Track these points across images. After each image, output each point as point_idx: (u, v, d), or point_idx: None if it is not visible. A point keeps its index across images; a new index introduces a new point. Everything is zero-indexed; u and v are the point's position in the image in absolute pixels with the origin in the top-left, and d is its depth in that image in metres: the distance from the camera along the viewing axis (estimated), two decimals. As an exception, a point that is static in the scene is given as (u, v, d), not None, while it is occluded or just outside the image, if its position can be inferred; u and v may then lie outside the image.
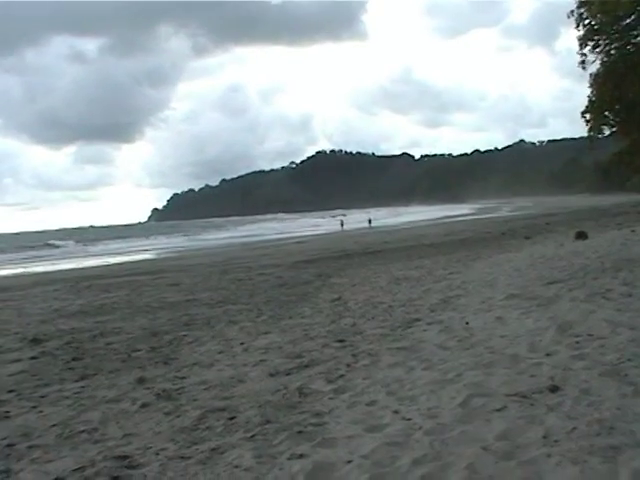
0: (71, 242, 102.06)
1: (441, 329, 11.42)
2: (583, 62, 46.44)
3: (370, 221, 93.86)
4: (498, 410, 6.86)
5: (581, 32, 45.38)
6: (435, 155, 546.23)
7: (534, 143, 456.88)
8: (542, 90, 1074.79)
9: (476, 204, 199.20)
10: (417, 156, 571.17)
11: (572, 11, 45.31)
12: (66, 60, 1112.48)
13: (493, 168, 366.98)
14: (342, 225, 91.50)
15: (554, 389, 7.25)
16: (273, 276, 24.58)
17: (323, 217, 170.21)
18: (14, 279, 35.37)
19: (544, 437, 5.94)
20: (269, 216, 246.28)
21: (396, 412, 7.25)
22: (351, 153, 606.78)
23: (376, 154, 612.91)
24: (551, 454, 5.56)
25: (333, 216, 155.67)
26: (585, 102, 48.06)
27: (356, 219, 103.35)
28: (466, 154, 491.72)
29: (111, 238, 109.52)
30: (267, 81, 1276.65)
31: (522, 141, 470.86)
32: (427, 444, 6.16)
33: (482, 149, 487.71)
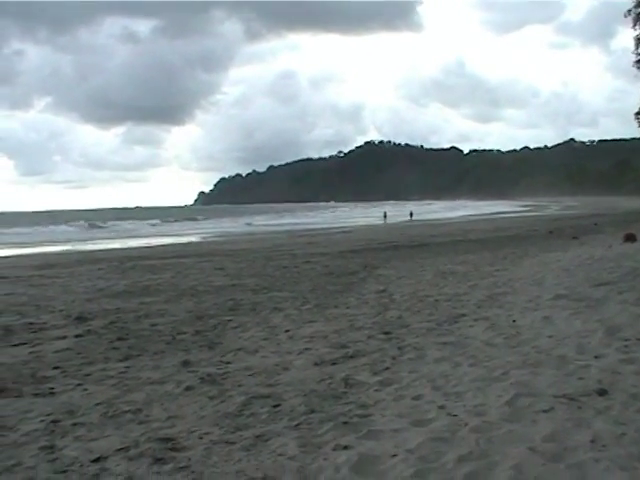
0: (116, 222, 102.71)
1: (487, 326, 11.29)
2: (639, 62, 45.78)
3: (411, 214, 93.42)
4: (545, 411, 6.76)
5: (638, 32, 44.74)
6: (484, 150, 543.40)
7: (584, 142, 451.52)
8: (594, 89, 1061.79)
9: (523, 201, 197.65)
10: (466, 150, 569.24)
11: (629, 10, 44.78)
12: (118, 40, 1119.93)
13: (542, 166, 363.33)
14: (385, 217, 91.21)
15: (602, 392, 7.13)
16: (319, 265, 24.52)
17: (369, 208, 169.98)
18: (60, 256, 35.65)
19: (592, 441, 5.83)
20: (315, 204, 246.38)
21: (442, 407, 7.17)
22: (400, 145, 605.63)
23: (425, 147, 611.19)
24: (599, 459, 5.45)
25: (380, 207, 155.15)
26: (639, 102, 47.40)
27: (401, 211, 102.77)
28: (515, 150, 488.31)
29: (157, 220, 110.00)
30: (319, 69, 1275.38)
31: (572, 140, 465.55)
32: (473, 441, 6.07)
33: (532, 146, 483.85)
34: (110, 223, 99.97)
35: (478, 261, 22.76)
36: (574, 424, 6.29)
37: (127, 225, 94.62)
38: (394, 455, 5.93)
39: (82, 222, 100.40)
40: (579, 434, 6.03)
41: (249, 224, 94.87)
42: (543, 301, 13.18)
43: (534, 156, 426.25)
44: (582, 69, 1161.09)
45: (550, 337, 10.00)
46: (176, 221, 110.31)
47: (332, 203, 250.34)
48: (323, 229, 66.06)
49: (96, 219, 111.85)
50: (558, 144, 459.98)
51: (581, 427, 6.20)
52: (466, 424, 6.55)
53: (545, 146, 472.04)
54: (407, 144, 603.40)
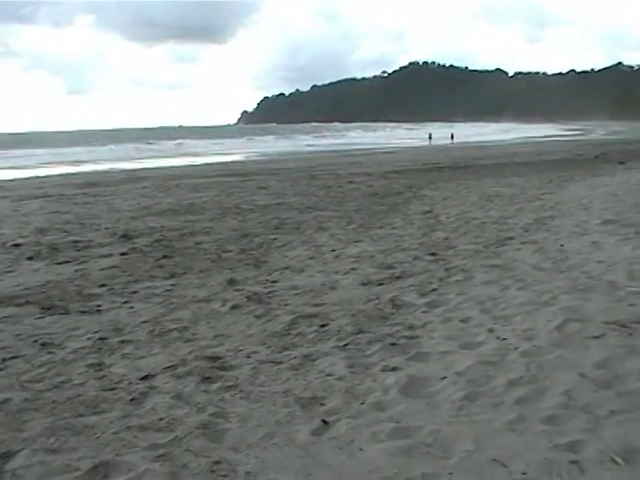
0: (159, 141, 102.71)
1: (535, 249, 11.17)
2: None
3: (452, 136, 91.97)
4: (596, 337, 6.65)
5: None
6: (529, 73, 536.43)
7: (632, 67, 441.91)
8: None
9: (569, 125, 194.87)
10: (511, 73, 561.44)
11: None
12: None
13: (588, 90, 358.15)
14: (430, 138, 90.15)
15: (654, 320, 6.97)
16: (363, 185, 24.35)
17: (412, 129, 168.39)
18: (104, 175, 35.78)
19: (643, 369, 5.70)
20: (358, 124, 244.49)
21: (491, 331, 7.09)
22: (444, 66, 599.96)
23: (469, 68, 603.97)
24: (651, 387, 5.34)
25: (423, 128, 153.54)
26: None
27: (445, 133, 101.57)
28: (561, 74, 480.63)
29: (200, 138, 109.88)
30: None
31: (620, 64, 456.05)
32: (523, 366, 5.98)
33: (578, 69, 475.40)
34: (153, 142, 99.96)
35: (524, 184, 22.41)
36: (625, 351, 6.17)
37: (170, 144, 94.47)
38: (443, 378, 5.85)
39: (125, 141, 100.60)
40: (630, 361, 5.91)
41: (292, 143, 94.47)
42: (591, 226, 13.01)
43: (581, 80, 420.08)
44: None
45: (599, 262, 9.84)
46: (219, 140, 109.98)
47: (378, 124, 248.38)
48: (366, 149, 65.56)
49: (139, 138, 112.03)
50: (606, 68, 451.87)
51: (632, 354, 6.07)
52: (516, 348, 6.47)
53: (592, 69, 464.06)
54: (452, 65, 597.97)
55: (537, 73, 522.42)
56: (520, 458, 4.37)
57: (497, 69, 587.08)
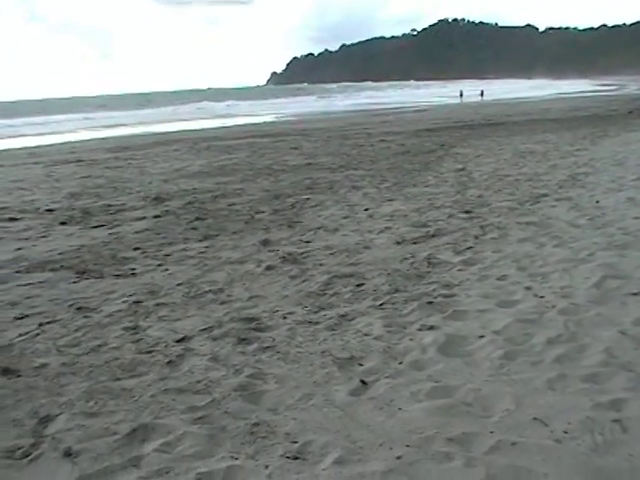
0: (189, 103, 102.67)
1: (570, 206, 11.06)
2: None
3: (482, 93, 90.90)
4: (635, 294, 6.59)
5: None
6: (560, 28, 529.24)
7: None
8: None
9: (601, 80, 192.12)
10: (541, 28, 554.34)
11: None
12: None
13: (620, 44, 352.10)
14: (461, 96, 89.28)
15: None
16: (394, 143, 24.20)
17: (442, 87, 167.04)
18: (134, 139, 35.83)
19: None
20: (388, 83, 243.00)
21: (528, 288, 7.02)
22: (473, 22, 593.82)
23: (499, 24, 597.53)
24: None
25: (454, 85, 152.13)
26: None
27: (476, 90, 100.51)
28: (592, 28, 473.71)
29: (230, 100, 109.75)
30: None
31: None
32: (561, 324, 5.94)
33: (610, 24, 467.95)
34: (183, 104, 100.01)
35: (557, 141, 22.18)
36: (665, 308, 6.07)
37: (200, 106, 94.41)
38: (481, 336, 5.81)
39: (157, 103, 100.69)
40: (671, 317, 5.82)
41: (322, 103, 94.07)
42: (627, 182, 12.86)
43: (613, 34, 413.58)
44: None
45: (636, 219, 9.75)
46: (249, 101, 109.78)
47: (408, 82, 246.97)
48: (397, 108, 65.08)
49: (169, 101, 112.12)
50: (638, 21, 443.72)
51: (672, 311, 5.97)
52: (554, 306, 6.41)
53: (624, 24, 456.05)
54: (481, 22, 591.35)
55: (567, 28, 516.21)
56: (561, 417, 4.32)
57: (527, 25, 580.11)
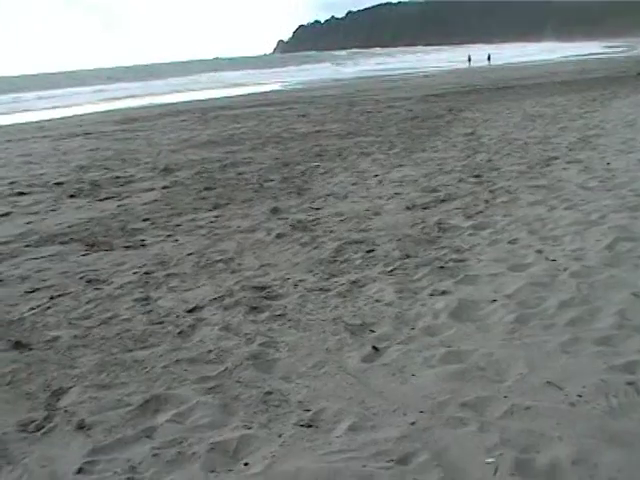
0: (195, 74, 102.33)
1: (581, 169, 10.98)
2: None
3: (489, 57, 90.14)
4: (647, 256, 6.53)
5: None
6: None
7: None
8: None
9: (610, 42, 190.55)
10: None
11: None
12: None
13: (630, 5, 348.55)
14: (469, 61, 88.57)
15: None
16: (403, 109, 24.10)
17: (451, 52, 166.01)
18: (141, 110, 35.72)
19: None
20: (396, 49, 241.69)
21: (539, 252, 6.99)
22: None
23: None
24: None
25: (460, 51, 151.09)
26: None
27: (483, 55, 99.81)
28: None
29: (236, 69, 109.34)
30: None
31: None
32: (574, 287, 5.89)
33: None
34: (189, 74, 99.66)
35: (566, 103, 22.00)
36: (679, 269, 6.03)
37: (206, 76, 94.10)
38: (493, 300, 5.77)
39: (162, 74, 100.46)
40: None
41: (330, 71, 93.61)
42: (637, 143, 12.74)
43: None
44: None
45: (647, 180, 9.66)
46: (256, 70, 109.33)
47: (416, 48, 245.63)
48: (405, 74, 64.66)
49: (176, 72, 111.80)
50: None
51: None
52: (565, 269, 6.37)
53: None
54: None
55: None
56: (575, 380, 4.29)
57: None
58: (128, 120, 28.01)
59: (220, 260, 7.63)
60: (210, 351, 5.17)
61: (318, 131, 19.05)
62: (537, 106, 21.77)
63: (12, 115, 40.47)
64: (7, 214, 10.87)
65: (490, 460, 3.55)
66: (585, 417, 3.87)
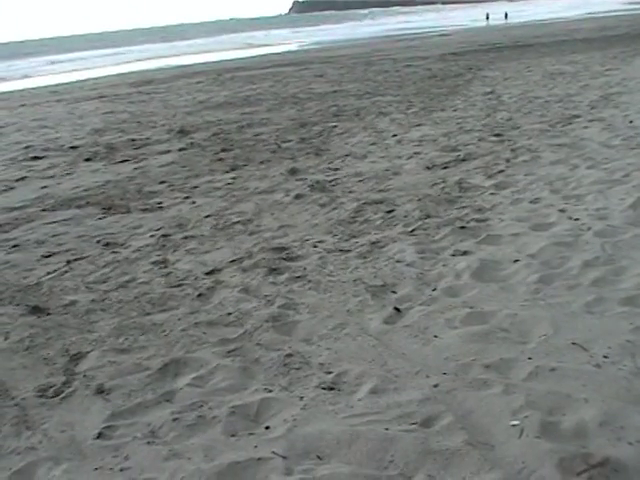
0: (211, 35, 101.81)
1: (603, 127, 10.79)
2: None
3: (506, 15, 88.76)
4: (673, 214, 6.43)
5: None
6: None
7: None
8: None
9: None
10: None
11: None
12: None
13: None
14: (487, 18, 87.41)
15: None
16: (421, 68, 23.80)
17: (472, 8, 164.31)
18: (157, 72, 35.63)
19: None
20: (411, 8, 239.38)
21: (562, 211, 6.88)
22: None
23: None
24: None
25: (482, 9, 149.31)
26: None
27: (500, 12, 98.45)
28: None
29: (252, 30, 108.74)
30: None
31: None
32: (598, 246, 5.79)
33: None
34: (204, 35, 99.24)
35: (587, 61, 21.63)
36: None
37: (222, 37, 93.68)
38: (516, 260, 5.68)
39: (176, 34, 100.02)
40: None
41: (346, 30, 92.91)
42: (661, 98, 12.48)
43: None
44: None
45: (670, 134, 9.50)
46: (271, 30, 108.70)
47: (422, 7, 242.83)
48: (423, 32, 63.93)
49: (195, 33, 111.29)
50: None
51: None
52: (589, 228, 6.25)
53: None
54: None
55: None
56: (600, 341, 4.21)
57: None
58: (143, 82, 27.95)
59: (238, 222, 7.58)
60: (229, 314, 5.12)
61: (335, 91, 18.87)
62: (557, 64, 21.42)
63: (26, 80, 40.52)
64: (22, 178, 10.86)
65: (515, 422, 3.49)
66: (611, 378, 3.79)
